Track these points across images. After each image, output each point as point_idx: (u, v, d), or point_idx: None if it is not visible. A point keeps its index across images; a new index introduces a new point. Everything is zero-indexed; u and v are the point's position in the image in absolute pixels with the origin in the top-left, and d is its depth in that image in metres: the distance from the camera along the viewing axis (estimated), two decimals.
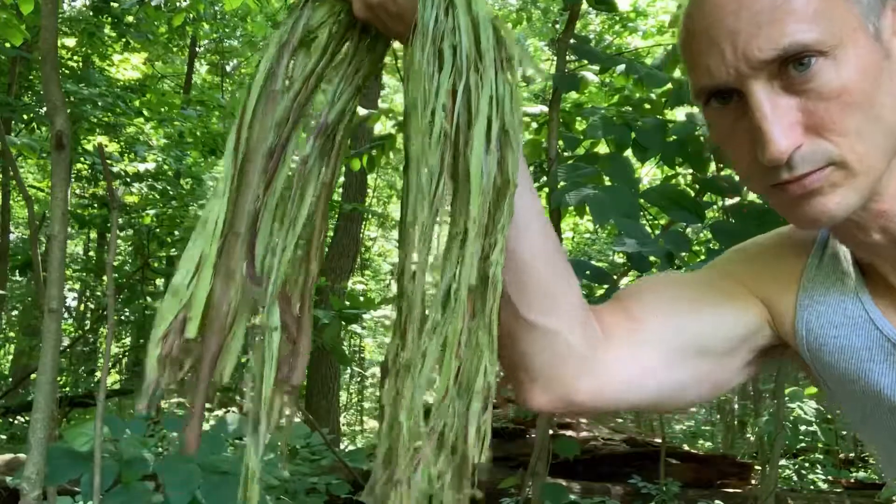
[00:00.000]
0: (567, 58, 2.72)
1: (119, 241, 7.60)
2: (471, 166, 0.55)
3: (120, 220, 6.41)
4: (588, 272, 2.16)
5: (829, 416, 7.02)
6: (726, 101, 0.60)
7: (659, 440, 5.85)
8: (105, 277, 6.03)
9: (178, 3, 6.75)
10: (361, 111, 3.52)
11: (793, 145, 0.57)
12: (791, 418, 4.84)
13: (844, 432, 8.34)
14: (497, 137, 0.56)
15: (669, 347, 0.69)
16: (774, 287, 0.71)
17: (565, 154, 2.67)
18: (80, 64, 7.55)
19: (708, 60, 0.59)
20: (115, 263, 6.57)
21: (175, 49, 9.86)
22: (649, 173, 5.67)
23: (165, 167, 7.23)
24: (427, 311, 0.55)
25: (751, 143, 0.59)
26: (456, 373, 0.53)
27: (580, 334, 0.66)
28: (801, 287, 0.70)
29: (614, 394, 0.68)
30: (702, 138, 2.39)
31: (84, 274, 9.36)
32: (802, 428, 5.07)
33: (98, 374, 8.82)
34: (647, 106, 2.94)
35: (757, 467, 6.00)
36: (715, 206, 3.08)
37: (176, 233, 7.28)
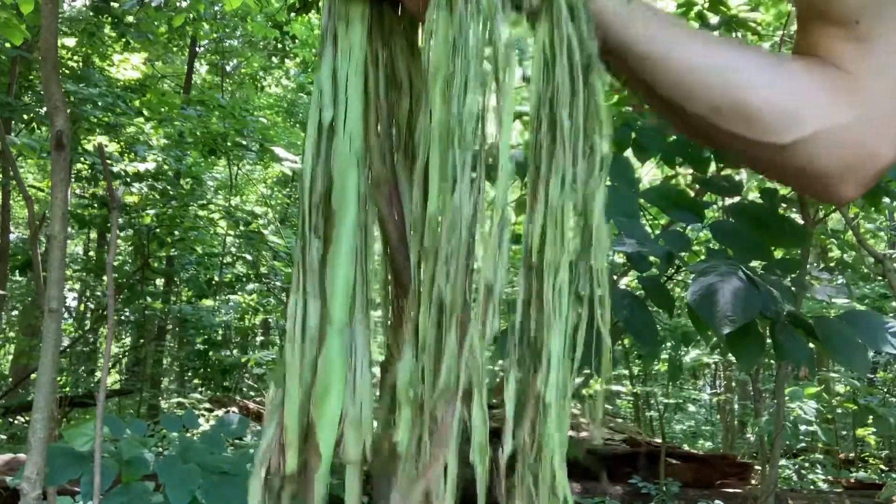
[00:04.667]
0: None
1: (119, 241, 7.59)
2: None
3: (120, 220, 6.40)
4: None
5: (829, 416, 7.02)
6: None
7: (659, 440, 5.85)
8: (105, 277, 6.03)
9: (178, 4, 6.75)
10: None
11: None
12: (791, 418, 4.84)
13: (844, 432, 8.34)
14: None
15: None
16: None
17: None
18: (80, 64, 7.55)
19: None
20: (115, 263, 6.57)
21: (175, 49, 9.86)
22: (649, 173, 5.67)
23: (165, 167, 7.23)
24: None
25: None
26: None
27: (838, 105, 0.54)
28: None
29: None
30: None
31: (84, 274, 9.36)
32: (802, 428, 5.06)
33: (98, 374, 8.82)
34: (648, 106, 2.93)
35: (757, 467, 6.00)
36: (715, 206, 3.08)
37: (176, 233, 7.27)
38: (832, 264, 6.22)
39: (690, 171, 2.72)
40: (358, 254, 0.51)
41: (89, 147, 6.75)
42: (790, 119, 0.53)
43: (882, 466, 7.60)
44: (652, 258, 2.06)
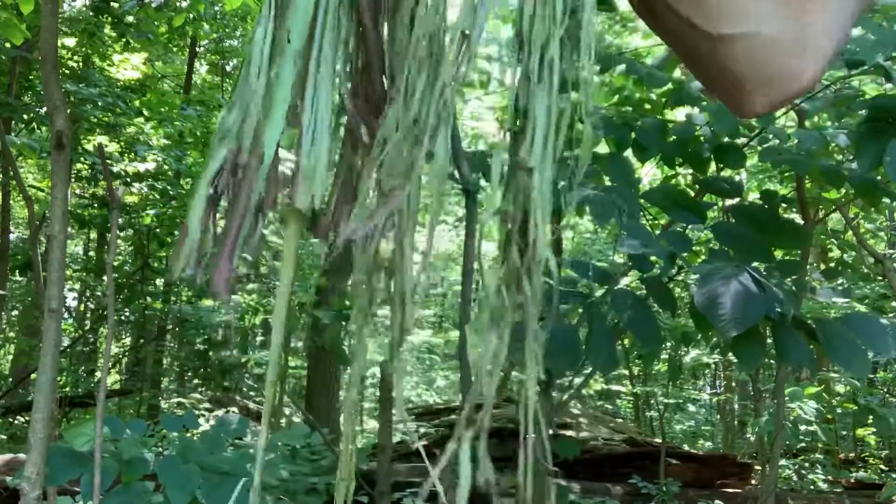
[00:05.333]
0: None
1: (119, 241, 7.59)
2: None
3: (120, 220, 6.40)
4: (589, 272, 2.15)
5: (829, 416, 7.02)
6: None
7: (659, 440, 5.84)
8: (105, 277, 6.03)
9: (178, 4, 6.75)
10: None
11: None
12: (791, 418, 4.84)
13: (844, 432, 8.34)
14: None
15: None
16: None
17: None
18: (80, 64, 7.55)
19: None
20: (115, 263, 6.57)
21: (175, 49, 9.85)
22: (649, 173, 5.67)
23: (165, 167, 7.23)
24: None
25: None
26: None
27: (777, 18, 0.54)
28: None
29: (832, 47, 0.57)
30: (702, 138, 2.39)
31: (84, 274, 9.36)
32: (802, 428, 5.06)
33: (98, 374, 8.82)
34: (647, 106, 2.94)
35: (757, 467, 6.00)
36: (715, 206, 3.08)
37: (176, 233, 7.27)
38: (832, 264, 6.21)
39: (690, 171, 2.72)
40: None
41: (89, 147, 6.75)
42: (736, 13, 0.54)
43: (882, 466, 7.60)
44: (653, 258, 2.07)
